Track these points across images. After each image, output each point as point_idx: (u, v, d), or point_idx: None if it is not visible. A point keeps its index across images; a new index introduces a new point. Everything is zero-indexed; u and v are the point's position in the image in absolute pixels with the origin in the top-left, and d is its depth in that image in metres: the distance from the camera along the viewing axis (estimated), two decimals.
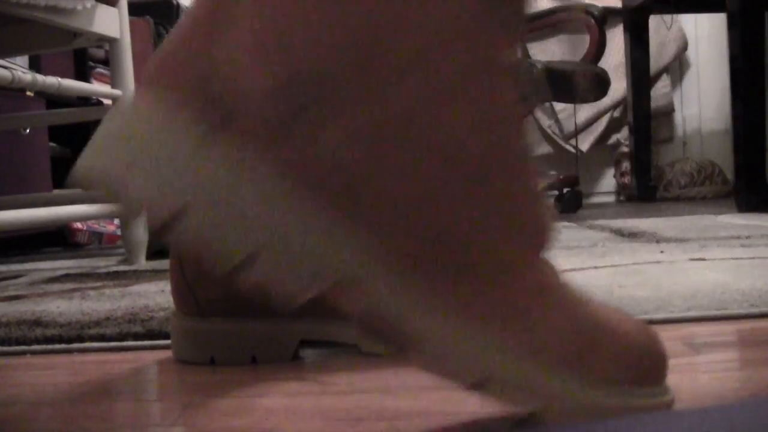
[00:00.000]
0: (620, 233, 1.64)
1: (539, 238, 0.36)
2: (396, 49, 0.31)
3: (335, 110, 0.30)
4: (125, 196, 0.30)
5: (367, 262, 0.31)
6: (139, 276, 1.27)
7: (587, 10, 2.81)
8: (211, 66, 0.30)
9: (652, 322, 0.68)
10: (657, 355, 0.40)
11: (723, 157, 3.41)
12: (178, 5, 2.55)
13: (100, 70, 2.43)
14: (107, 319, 0.82)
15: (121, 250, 1.91)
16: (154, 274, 1.28)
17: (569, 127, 3.54)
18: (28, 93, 2.00)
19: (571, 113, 3.52)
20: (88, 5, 1.34)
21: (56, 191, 2.06)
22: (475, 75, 0.32)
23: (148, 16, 2.40)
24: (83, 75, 2.32)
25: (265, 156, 0.30)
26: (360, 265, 0.31)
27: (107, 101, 1.57)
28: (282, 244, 0.31)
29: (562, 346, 0.36)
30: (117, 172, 0.31)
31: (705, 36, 3.65)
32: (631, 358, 0.39)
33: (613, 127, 3.59)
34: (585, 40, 2.92)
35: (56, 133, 2.24)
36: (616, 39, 3.44)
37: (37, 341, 0.74)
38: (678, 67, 3.68)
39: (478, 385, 0.34)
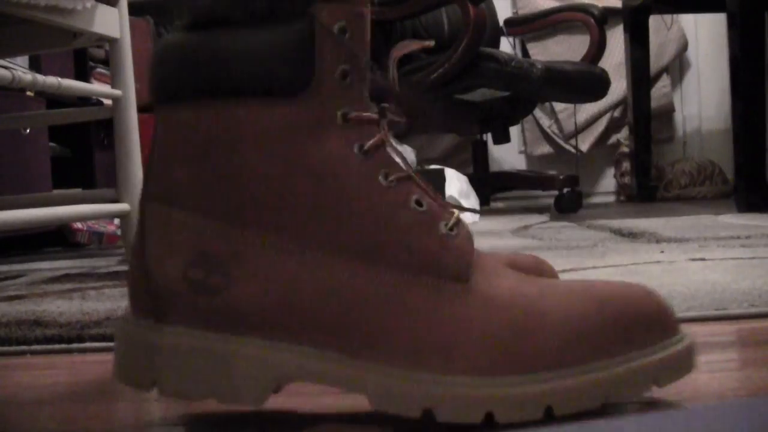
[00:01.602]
0: (620, 233, 1.64)
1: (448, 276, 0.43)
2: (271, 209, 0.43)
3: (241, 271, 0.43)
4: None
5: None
6: None
7: (587, 10, 2.81)
8: (147, 283, 0.45)
9: None
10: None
11: (723, 157, 3.41)
12: None
13: (100, 70, 2.42)
14: (107, 319, 0.82)
15: (121, 250, 1.91)
16: None
17: (569, 127, 3.54)
18: (28, 93, 2.00)
19: (571, 113, 3.52)
20: (88, 5, 1.34)
21: (56, 191, 2.06)
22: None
23: (148, 16, 2.40)
24: (83, 75, 2.32)
25: (192, 322, 0.44)
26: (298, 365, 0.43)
27: (107, 101, 1.57)
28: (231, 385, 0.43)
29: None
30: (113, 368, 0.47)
31: (705, 36, 3.64)
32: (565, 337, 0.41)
33: (613, 127, 3.58)
34: (585, 40, 2.92)
35: (56, 133, 2.24)
36: (616, 39, 3.44)
37: (37, 341, 0.74)
38: (678, 67, 3.68)
39: (427, 413, 0.41)
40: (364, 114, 0.44)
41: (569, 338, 0.41)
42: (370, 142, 0.44)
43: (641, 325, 0.42)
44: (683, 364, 0.43)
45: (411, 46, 0.46)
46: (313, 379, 0.43)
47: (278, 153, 0.43)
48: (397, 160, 0.45)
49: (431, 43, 0.47)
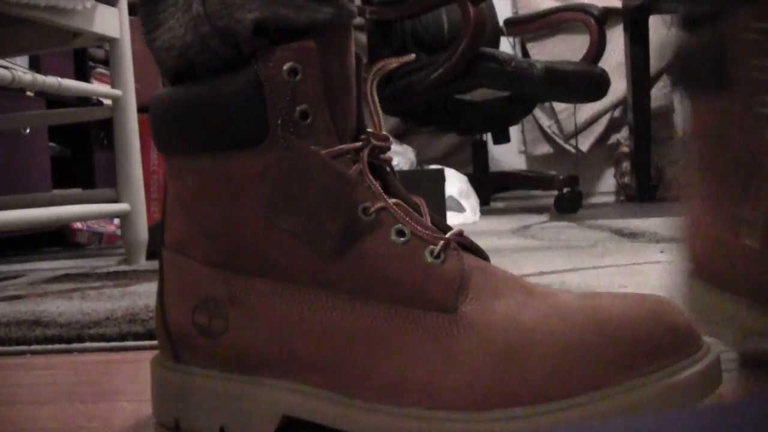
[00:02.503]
0: (620, 233, 1.64)
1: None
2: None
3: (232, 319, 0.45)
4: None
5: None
6: (139, 276, 1.27)
7: (587, 10, 2.81)
8: (165, 325, 0.48)
9: None
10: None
11: None
12: None
13: (100, 70, 2.43)
14: (107, 319, 0.82)
15: (121, 250, 1.91)
16: (154, 274, 1.28)
17: (569, 127, 3.54)
18: (28, 93, 2.00)
19: (571, 113, 3.52)
20: (88, 5, 1.34)
21: (56, 191, 2.06)
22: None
23: None
24: (83, 75, 2.32)
25: (203, 362, 0.46)
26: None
27: (107, 101, 1.57)
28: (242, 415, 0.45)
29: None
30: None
31: None
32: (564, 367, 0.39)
33: (613, 127, 3.59)
34: (585, 40, 2.92)
35: (56, 133, 2.24)
36: (616, 39, 3.44)
37: (37, 341, 0.74)
38: None
39: None
40: (336, 148, 0.44)
41: (559, 369, 0.39)
42: None
43: (644, 350, 0.39)
44: (697, 387, 0.40)
45: (390, 64, 0.46)
46: (312, 417, 0.43)
47: (254, 200, 0.44)
48: (377, 189, 0.44)
49: (412, 57, 0.47)
